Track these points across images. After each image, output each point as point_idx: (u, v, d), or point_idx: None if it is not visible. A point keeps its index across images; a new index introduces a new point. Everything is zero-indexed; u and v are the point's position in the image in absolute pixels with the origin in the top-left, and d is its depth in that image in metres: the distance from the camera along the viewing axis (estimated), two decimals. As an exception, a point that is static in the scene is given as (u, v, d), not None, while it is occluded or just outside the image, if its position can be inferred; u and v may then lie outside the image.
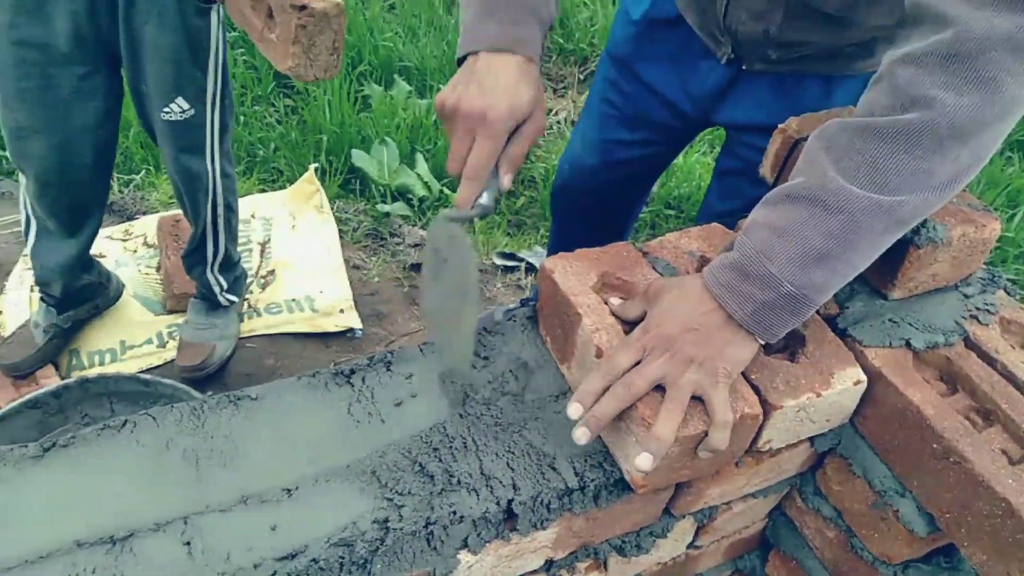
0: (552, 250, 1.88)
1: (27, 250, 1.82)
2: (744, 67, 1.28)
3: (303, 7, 1.08)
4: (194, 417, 0.81)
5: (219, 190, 1.78)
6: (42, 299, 1.91)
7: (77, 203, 1.70)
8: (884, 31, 1.16)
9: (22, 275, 2.14)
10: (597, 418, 0.76)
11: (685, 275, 0.89)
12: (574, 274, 0.89)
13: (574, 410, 0.77)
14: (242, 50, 3.09)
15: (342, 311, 2.19)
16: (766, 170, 1.08)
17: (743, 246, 0.80)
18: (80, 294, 1.93)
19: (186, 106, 1.59)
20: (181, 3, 1.46)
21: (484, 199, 0.86)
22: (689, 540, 1.00)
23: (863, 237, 0.76)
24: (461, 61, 0.90)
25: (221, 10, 1.55)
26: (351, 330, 2.18)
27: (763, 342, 0.80)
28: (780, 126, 1.05)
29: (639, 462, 0.74)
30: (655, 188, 3.11)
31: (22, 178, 1.67)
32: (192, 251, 1.89)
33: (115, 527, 0.71)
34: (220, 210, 1.81)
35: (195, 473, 0.76)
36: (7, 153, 1.68)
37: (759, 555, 1.14)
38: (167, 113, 1.58)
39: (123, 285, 2.10)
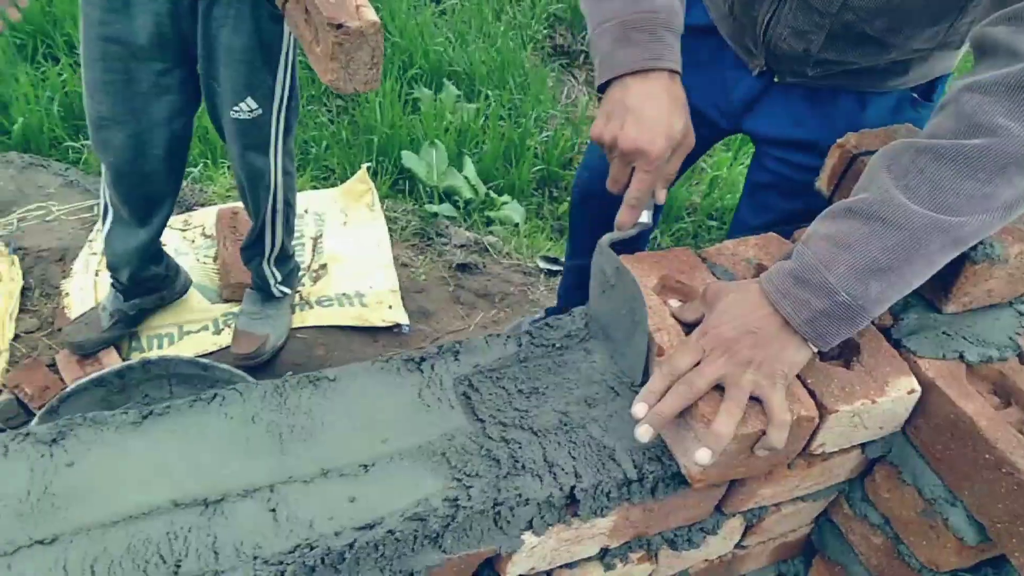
0: (570, 258, 1.87)
1: (101, 236, 1.91)
2: (776, 79, 1.28)
3: (340, 26, 1.13)
4: (277, 394, 0.86)
5: (279, 187, 1.84)
6: (112, 285, 2.00)
7: (149, 193, 1.79)
8: (922, 53, 1.17)
9: (87, 260, 2.24)
10: (660, 415, 0.79)
11: (742, 280, 0.93)
12: (637, 276, 0.93)
13: (639, 409, 0.80)
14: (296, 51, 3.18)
15: (390, 307, 2.25)
16: (823, 184, 1.11)
17: (802, 255, 0.83)
18: (147, 284, 2.01)
19: (255, 106, 1.66)
20: (256, 9, 1.53)
21: (644, 217, 0.96)
22: (737, 539, 1.02)
23: (921, 254, 0.79)
24: (602, 88, 0.95)
25: None
26: (398, 325, 2.23)
27: (816, 350, 0.83)
28: (838, 141, 1.08)
29: (699, 456, 0.77)
30: (698, 199, 3.14)
31: (103, 167, 1.76)
32: (251, 243, 1.96)
33: (208, 491, 0.76)
34: (279, 205, 1.88)
35: (279, 446, 0.82)
36: (89, 142, 1.77)
37: (803, 560, 1.17)
38: (236, 112, 1.65)
39: (190, 281, 2.18)
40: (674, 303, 0.93)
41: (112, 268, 1.95)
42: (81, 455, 0.78)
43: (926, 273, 0.82)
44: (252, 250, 1.98)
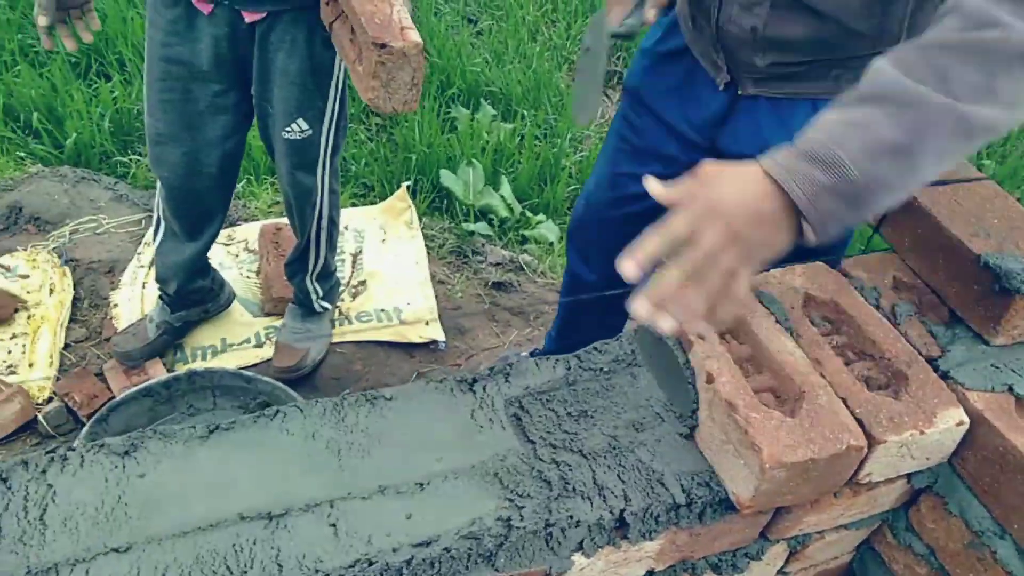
0: (565, 293, 1.87)
1: (152, 248, 1.98)
2: (740, 91, 1.32)
3: (383, 45, 1.15)
4: (336, 412, 0.89)
5: (325, 205, 1.89)
6: (160, 297, 2.06)
7: (200, 209, 1.85)
8: (864, 43, 1.18)
9: (135, 272, 2.31)
10: (658, 292, 0.74)
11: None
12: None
13: (641, 305, 0.75)
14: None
15: (427, 323, 2.28)
16: (869, 213, 1.12)
17: (811, 138, 0.79)
18: (193, 296, 2.07)
19: (305, 127, 1.71)
20: (311, 35, 1.58)
21: (632, 19, 1.25)
22: (780, 566, 1.03)
23: (932, 135, 0.76)
24: None
25: None
26: (434, 342, 2.27)
27: (814, 239, 0.77)
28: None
29: (662, 323, 0.73)
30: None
31: (158, 182, 1.83)
32: (295, 259, 2.01)
33: (272, 504, 0.79)
34: (324, 223, 1.93)
35: (337, 462, 0.85)
36: (138, 156, 1.83)
37: (843, 588, 1.17)
38: (288, 132, 1.70)
39: (234, 295, 2.24)
40: (654, 180, 0.87)
41: (161, 280, 2.01)
42: (151, 466, 0.81)
43: (934, 164, 0.78)
44: (296, 266, 2.03)
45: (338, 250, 2.43)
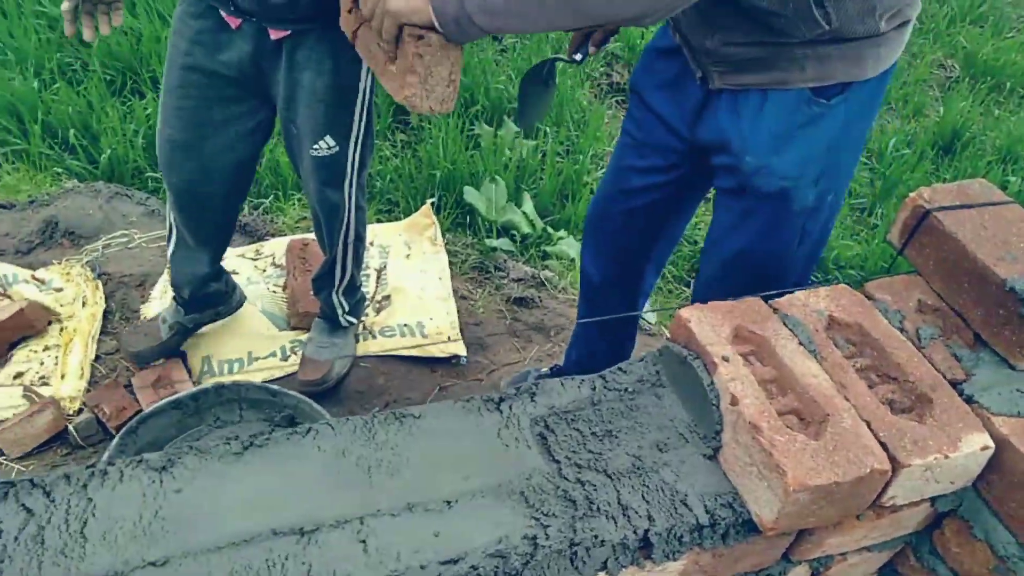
0: (580, 299, 1.94)
1: (167, 255, 2.04)
2: (710, 85, 1.39)
3: (421, 36, 1.12)
4: (365, 430, 0.91)
5: (352, 221, 1.93)
6: (174, 299, 2.12)
7: (209, 217, 1.90)
8: (790, 23, 1.24)
9: (165, 286, 2.35)
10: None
11: None
12: (709, 325, 0.96)
13: None
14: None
15: (449, 339, 2.31)
16: (894, 236, 1.12)
17: None
18: (206, 299, 2.13)
19: (333, 144, 1.74)
20: (337, 52, 1.62)
21: (577, 56, 1.55)
22: (803, 587, 1.03)
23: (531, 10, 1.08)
24: None
25: None
26: (456, 357, 2.29)
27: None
28: (911, 195, 1.10)
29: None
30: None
31: (167, 190, 1.88)
32: (322, 274, 2.04)
33: (303, 520, 0.81)
34: (351, 239, 1.96)
35: (367, 479, 0.86)
36: (159, 170, 1.88)
37: (867, 610, 1.16)
38: (316, 150, 1.74)
39: (244, 297, 2.29)
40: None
41: (175, 286, 2.07)
42: (187, 482, 0.84)
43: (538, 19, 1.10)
44: (323, 281, 2.06)
45: (363, 265, 2.48)
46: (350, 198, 1.87)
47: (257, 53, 1.62)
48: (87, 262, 2.41)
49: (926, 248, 1.07)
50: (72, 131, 2.78)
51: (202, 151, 1.75)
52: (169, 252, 2.02)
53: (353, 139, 1.78)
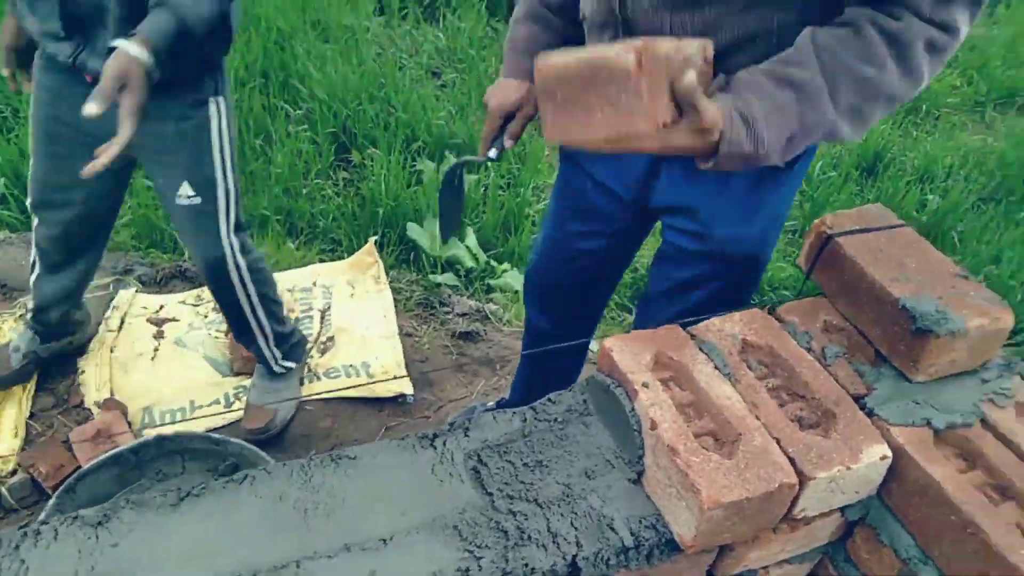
0: (525, 342, 1.94)
1: (31, 281, 2.07)
2: None
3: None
4: (302, 473, 0.94)
5: (248, 283, 1.93)
6: (31, 327, 2.14)
7: (75, 247, 1.97)
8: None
9: (103, 337, 2.32)
10: None
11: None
12: (631, 353, 1.02)
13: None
14: (304, 126, 3.33)
15: (395, 377, 2.32)
16: (802, 261, 1.20)
17: (751, 104, 1.00)
18: (66, 328, 2.17)
19: (192, 192, 1.76)
20: (175, 97, 1.65)
21: (492, 153, 1.47)
22: (731, 601, 1.08)
23: (812, 135, 1.05)
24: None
25: (222, 104, 1.74)
26: (403, 395, 2.31)
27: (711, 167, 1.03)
28: (816, 221, 1.18)
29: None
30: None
31: (35, 219, 1.94)
32: (239, 334, 2.05)
33: (241, 567, 0.83)
34: (255, 301, 1.97)
35: (304, 522, 0.89)
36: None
37: (796, 619, 1.22)
38: (179, 198, 1.77)
39: (97, 327, 2.34)
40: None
41: (39, 310, 2.09)
42: (124, 535, 0.85)
43: (796, 151, 1.06)
44: (244, 338, 2.06)
45: (305, 306, 2.49)
46: (233, 258, 1.87)
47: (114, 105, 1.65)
48: (20, 316, 2.36)
49: (830, 271, 1.15)
50: (2, 180, 2.74)
51: (76, 194, 1.83)
52: (33, 278, 2.05)
53: (219, 192, 1.79)
